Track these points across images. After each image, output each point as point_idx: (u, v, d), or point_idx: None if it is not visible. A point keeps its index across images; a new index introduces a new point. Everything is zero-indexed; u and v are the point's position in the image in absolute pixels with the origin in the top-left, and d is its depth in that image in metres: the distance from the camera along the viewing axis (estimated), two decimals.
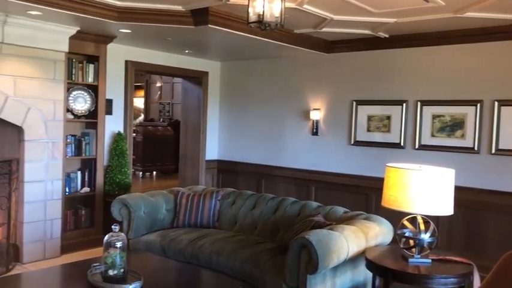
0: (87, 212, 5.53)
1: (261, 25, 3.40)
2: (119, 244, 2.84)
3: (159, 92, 14.45)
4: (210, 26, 4.49)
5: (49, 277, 3.31)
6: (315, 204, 4.24)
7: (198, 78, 7.04)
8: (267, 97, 6.71)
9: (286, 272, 3.26)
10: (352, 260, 3.42)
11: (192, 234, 4.15)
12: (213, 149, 7.25)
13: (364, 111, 5.76)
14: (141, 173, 11.30)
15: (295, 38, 5.40)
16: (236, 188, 5.33)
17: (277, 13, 3.40)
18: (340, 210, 4.06)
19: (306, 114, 6.29)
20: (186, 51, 6.27)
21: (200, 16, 4.47)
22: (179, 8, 4.41)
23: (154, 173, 11.63)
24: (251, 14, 3.41)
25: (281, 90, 6.56)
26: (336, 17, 4.65)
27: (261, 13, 3.38)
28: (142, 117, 14.39)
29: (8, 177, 4.61)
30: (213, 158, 7.25)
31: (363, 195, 5.67)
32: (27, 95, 4.68)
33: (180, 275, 3.43)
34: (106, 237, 2.88)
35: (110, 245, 2.85)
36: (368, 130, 5.74)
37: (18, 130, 4.72)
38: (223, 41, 5.50)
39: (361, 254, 3.40)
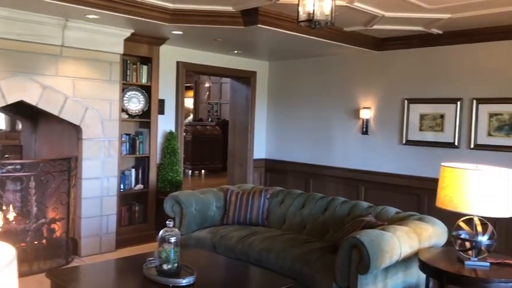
0: (141, 208, 5.72)
1: (311, 24, 3.39)
2: (173, 239, 2.93)
3: (207, 92, 14.69)
4: (259, 25, 4.52)
5: (106, 270, 3.46)
6: (365, 204, 4.19)
7: (246, 78, 7.11)
8: (315, 96, 6.67)
9: (336, 272, 3.24)
10: (405, 261, 3.35)
11: (242, 231, 4.20)
12: (261, 148, 7.30)
13: (416, 109, 5.61)
14: (190, 171, 11.53)
15: (345, 36, 5.35)
16: (284, 187, 5.33)
17: (327, 11, 3.38)
18: (392, 210, 3.99)
19: (355, 113, 6.21)
20: (235, 51, 6.35)
21: (250, 16, 4.52)
22: (229, 8, 4.48)
23: (203, 171, 11.83)
24: (301, 12, 3.41)
25: (330, 89, 6.51)
26: (388, 14, 4.56)
27: (311, 12, 3.37)
28: (191, 117, 14.68)
29: (67, 174, 4.84)
30: (261, 157, 7.29)
31: (415, 196, 5.53)
32: (85, 96, 4.90)
33: (230, 271, 3.49)
34: (161, 232, 2.97)
35: (164, 240, 2.94)
36: (420, 129, 5.59)
37: (76, 129, 4.95)
38: (272, 41, 5.53)
39: (414, 256, 3.32)
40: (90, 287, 3.08)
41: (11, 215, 4.66)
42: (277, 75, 7.23)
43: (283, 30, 4.74)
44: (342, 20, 4.67)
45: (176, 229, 3.02)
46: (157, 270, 2.94)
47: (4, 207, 4.67)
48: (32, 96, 4.54)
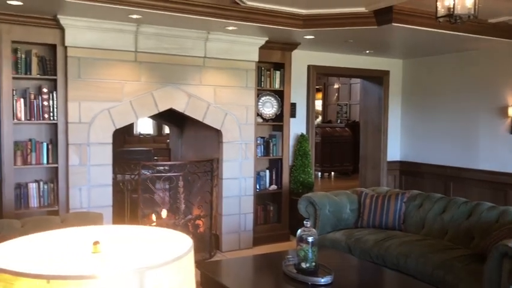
0: (275, 208, 5.94)
1: (451, 19, 3.23)
2: (310, 239, 3.01)
3: (336, 94, 14.63)
4: (394, 24, 4.41)
5: (248, 264, 3.68)
6: None
7: (378, 78, 6.95)
8: (455, 93, 6.26)
9: (484, 282, 3.03)
10: None
11: (378, 235, 4.13)
12: (395, 149, 7.06)
13: None
14: (319, 173, 11.59)
15: (490, 28, 4.94)
16: (421, 190, 5.10)
17: (469, 4, 3.19)
18: None
19: (502, 110, 5.68)
20: (367, 51, 6.25)
21: (384, 15, 4.43)
22: (362, 9, 4.45)
23: (332, 173, 11.81)
24: (439, 7, 3.27)
25: (472, 86, 6.06)
26: None
27: (451, 6, 3.21)
28: (320, 118, 14.74)
29: (210, 175, 5.25)
30: (395, 159, 7.06)
31: None
32: (224, 102, 5.26)
33: (367, 274, 3.46)
34: (298, 231, 3.08)
35: (302, 239, 3.04)
36: None
37: (217, 133, 5.34)
38: (407, 38, 5.34)
39: None
40: (235, 279, 3.31)
41: (164, 212, 5.19)
42: (412, 73, 6.94)
43: (419, 27, 4.56)
44: (486, 11, 4.32)
45: (313, 229, 3.10)
46: (295, 268, 3.05)
47: (158, 205, 5.22)
48: (179, 104, 5.02)
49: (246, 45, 5.25)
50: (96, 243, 0.98)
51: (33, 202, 4.52)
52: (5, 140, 4.30)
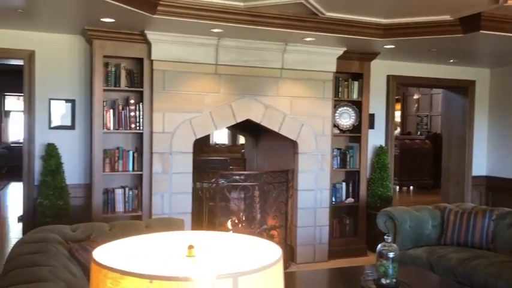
0: (351, 222, 5.81)
1: None
2: (391, 254, 2.92)
3: (416, 104, 14.10)
4: (481, 31, 4.19)
5: (324, 277, 3.63)
6: None
7: (462, 88, 6.61)
8: None
9: None
10: None
11: (463, 253, 3.90)
12: (481, 164, 6.66)
13: None
14: (397, 187, 11.19)
15: None
16: (510, 208, 4.75)
17: None
18: None
19: None
20: (451, 60, 5.99)
21: (470, 23, 4.22)
22: (447, 17, 4.27)
23: (411, 187, 11.35)
24: None
25: None
26: None
27: None
28: (398, 130, 14.27)
29: (285, 185, 5.26)
30: (481, 173, 6.65)
31: None
32: (300, 113, 5.26)
33: None
34: (378, 246, 2.99)
35: (382, 255, 2.95)
36: None
37: (293, 144, 5.35)
38: (496, 46, 5.04)
39: None
40: None
41: (240, 220, 5.27)
42: (501, 83, 6.52)
43: (511, 34, 4.28)
44: None
45: (394, 244, 3.00)
46: (375, 284, 2.97)
47: (234, 213, 5.32)
48: (256, 115, 5.10)
49: (323, 56, 5.23)
50: (191, 247, 1.02)
51: (119, 207, 4.79)
52: (95, 147, 4.61)
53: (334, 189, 5.69)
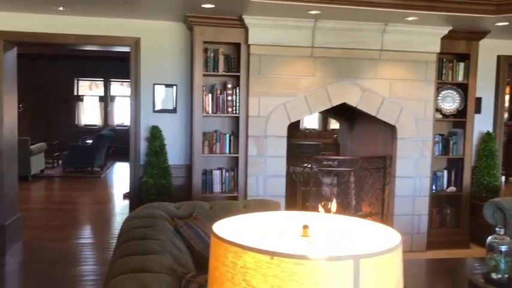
0: (452, 212, 5.49)
1: None
2: (503, 248, 2.70)
3: None
4: None
5: (425, 267, 3.48)
6: None
7: None
8: None
9: None
10: None
11: None
12: None
13: None
14: (503, 176, 10.34)
15: None
16: None
17: None
18: None
19: None
20: None
21: None
22: None
23: None
24: None
25: None
26: None
27: None
28: (506, 115, 13.14)
29: (382, 172, 5.09)
30: None
31: None
32: (400, 96, 5.03)
33: None
34: (489, 238, 2.79)
35: (493, 248, 2.74)
36: None
37: (391, 129, 5.14)
38: None
39: None
40: (413, 280, 3.15)
41: (334, 205, 5.21)
42: None
43: None
44: None
45: (507, 237, 2.77)
46: (484, 278, 2.78)
47: (326, 198, 5.26)
48: (352, 98, 4.97)
49: (426, 36, 4.94)
50: (305, 227, 1.01)
51: (217, 187, 4.96)
52: (196, 130, 4.80)
53: (434, 177, 5.39)
